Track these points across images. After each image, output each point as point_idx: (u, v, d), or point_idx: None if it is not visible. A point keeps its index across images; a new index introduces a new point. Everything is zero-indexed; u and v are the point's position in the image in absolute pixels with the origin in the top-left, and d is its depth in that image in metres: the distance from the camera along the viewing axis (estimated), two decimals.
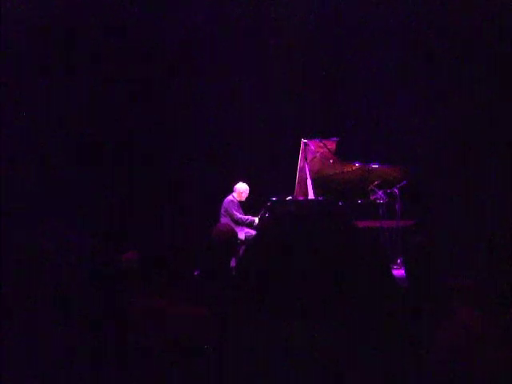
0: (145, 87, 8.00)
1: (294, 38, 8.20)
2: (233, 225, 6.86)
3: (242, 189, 7.37)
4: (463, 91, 7.59)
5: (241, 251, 6.85)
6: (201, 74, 8.21)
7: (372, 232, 6.76)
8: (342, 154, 7.17)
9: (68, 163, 7.40)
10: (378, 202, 7.01)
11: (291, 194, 7.15)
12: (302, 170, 7.16)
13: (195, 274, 2.86)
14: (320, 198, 6.94)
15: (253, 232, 7.18)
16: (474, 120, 7.47)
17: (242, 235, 7.06)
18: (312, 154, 7.12)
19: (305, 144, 7.07)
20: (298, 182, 7.20)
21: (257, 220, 7.16)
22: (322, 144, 7.07)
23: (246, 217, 7.25)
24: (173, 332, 2.06)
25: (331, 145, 7.11)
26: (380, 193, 6.99)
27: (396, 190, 6.99)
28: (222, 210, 7.26)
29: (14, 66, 7.00)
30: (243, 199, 7.39)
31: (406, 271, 2.60)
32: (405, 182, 7.03)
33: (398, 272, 5.88)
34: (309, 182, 7.13)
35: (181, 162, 8.24)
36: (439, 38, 7.72)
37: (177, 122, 8.24)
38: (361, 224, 6.45)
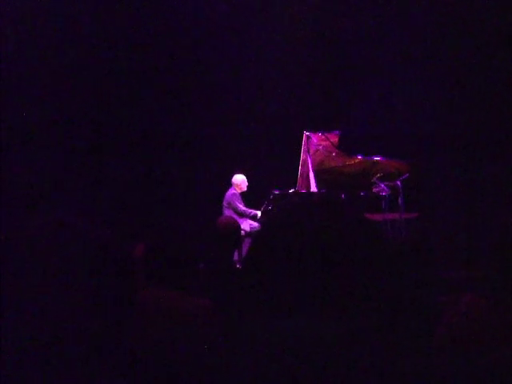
0: (145, 78, 8.01)
1: (295, 30, 8.17)
2: (236, 217, 6.87)
3: (239, 181, 7.40)
4: (466, 84, 7.57)
5: (245, 243, 6.88)
6: (202, 65, 8.20)
7: (375, 224, 6.75)
8: (345, 147, 7.16)
9: (77, 154, 7.44)
10: (381, 194, 7.00)
11: (293, 187, 7.15)
12: (305, 162, 7.16)
13: (200, 266, 2.87)
14: (322, 191, 6.95)
15: (257, 224, 7.20)
16: (477, 113, 7.46)
17: (246, 227, 7.08)
18: (314, 147, 7.13)
19: (307, 137, 7.07)
20: (301, 175, 7.21)
21: (259, 213, 7.18)
22: (324, 137, 7.08)
23: (250, 210, 7.27)
24: (177, 323, 2.07)
25: (333, 138, 7.10)
26: (382, 185, 6.98)
27: (398, 183, 6.97)
28: (225, 203, 7.28)
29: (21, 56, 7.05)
30: (244, 189, 7.42)
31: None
32: (407, 175, 7.02)
33: None
34: (311, 174, 7.14)
35: (185, 154, 8.25)
36: (441, 29, 7.70)
37: (181, 113, 8.24)
38: None
